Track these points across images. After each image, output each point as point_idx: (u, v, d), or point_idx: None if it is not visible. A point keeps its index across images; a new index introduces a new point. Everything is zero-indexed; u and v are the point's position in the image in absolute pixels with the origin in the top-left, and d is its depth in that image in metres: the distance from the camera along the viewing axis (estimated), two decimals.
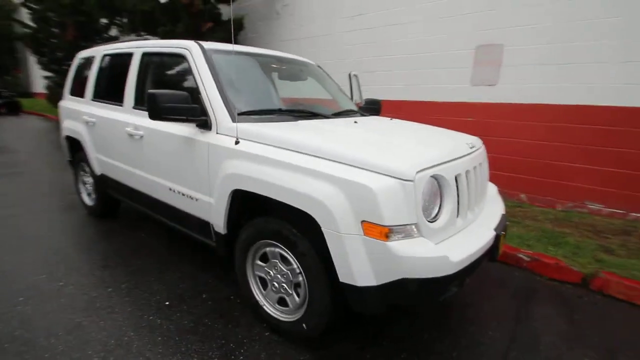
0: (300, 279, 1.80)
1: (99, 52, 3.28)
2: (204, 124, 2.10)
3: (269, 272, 1.95)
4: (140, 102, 2.68)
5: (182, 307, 2.23)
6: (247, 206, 1.98)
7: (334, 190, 1.53)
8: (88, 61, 3.48)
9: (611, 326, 2.21)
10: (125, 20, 8.30)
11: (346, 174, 1.53)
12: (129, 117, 2.71)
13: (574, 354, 1.95)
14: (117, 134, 2.83)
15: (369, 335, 2.02)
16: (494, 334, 2.08)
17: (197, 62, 2.26)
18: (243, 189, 1.86)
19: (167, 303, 2.27)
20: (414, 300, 1.63)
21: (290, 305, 1.89)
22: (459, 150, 1.88)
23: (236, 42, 6.71)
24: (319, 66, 3.32)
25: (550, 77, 3.91)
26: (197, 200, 2.22)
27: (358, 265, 1.51)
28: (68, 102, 3.68)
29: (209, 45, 2.38)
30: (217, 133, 2.05)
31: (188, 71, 2.30)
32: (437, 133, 2.31)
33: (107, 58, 3.18)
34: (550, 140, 4.01)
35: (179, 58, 2.40)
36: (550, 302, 2.44)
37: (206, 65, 2.22)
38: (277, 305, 1.97)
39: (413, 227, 1.49)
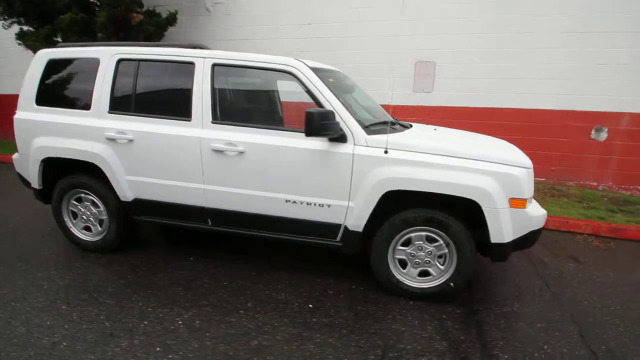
0: (446, 250, 2.39)
1: (105, 55, 2.74)
2: (339, 138, 2.34)
3: (412, 253, 2.44)
4: (222, 117, 2.55)
5: (327, 305, 2.44)
6: (386, 205, 2.38)
7: (490, 180, 2.20)
8: (72, 64, 2.85)
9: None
10: None
11: (496, 168, 2.22)
12: (209, 132, 2.52)
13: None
14: (181, 152, 2.58)
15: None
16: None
17: (312, 80, 2.43)
18: (399, 189, 2.28)
19: (310, 306, 2.42)
20: (528, 245, 2.46)
21: (434, 273, 2.45)
22: None
23: (164, 39, 6.12)
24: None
25: (470, 88, 5.46)
26: (329, 206, 2.44)
27: (506, 228, 2.24)
28: (38, 114, 2.87)
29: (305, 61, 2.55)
30: (355, 145, 2.35)
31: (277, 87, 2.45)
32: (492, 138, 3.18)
33: (129, 64, 2.71)
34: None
35: (282, 74, 2.48)
36: None
37: (323, 83, 2.43)
38: (417, 277, 2.49)
39: (532, 197, 2.32)
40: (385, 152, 2.31)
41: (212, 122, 2.54)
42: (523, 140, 4.02)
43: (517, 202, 2.23)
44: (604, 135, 4.93)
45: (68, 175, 2.93)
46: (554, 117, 5.14)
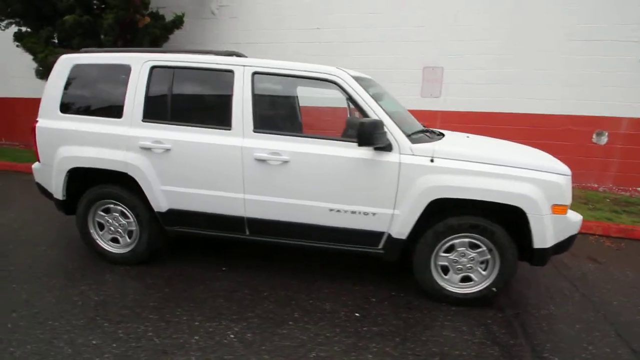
0: (489, 256, 2.44)
1: (137, 62, 2.66)
2: (386, 147, 2.36)
3: (454, 260, 2.49)
4: (264, 125, 2.52)
5: (372, 313, 2.46)
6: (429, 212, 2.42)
7: (534, 188, 2.27)
8: (99, 71, 2.76)
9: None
10: None
11: (539, 176, 2.30)
12: (251, 141, 2.49)
13: None
14: (221, 161, 2.54)
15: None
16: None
17: (355, 89, 2.45)
18: (445, 197, 2.32)
19: (357, 315, 2.43)
20: (565, 250, 2.54)
21: (476, 279, 2.51)
22: None
23: (169, 42, 6.03)
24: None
25: (477, 93, 5.60)
26: (374, 214, 2.45)
27: (549, 233, 2.31)
28: (63, 123, 2.76)
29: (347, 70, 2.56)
30: (400, 154, 2.38)
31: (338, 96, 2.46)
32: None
33: (164, 71, 2.65)
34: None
35: (325, 83, 2.48)
36: None
37: (366, 93, 2.45)
38: (459, 283, 2.53)
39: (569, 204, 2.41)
40: (432, 160, 2.35)
41: (254, 131, 2.52)
42: (527, 144, 4.16)
43: (558, 209, 2.31)
44: (604, 139, 5.16)
45: (95, 186, 2.83)
46: (557, 122, 5.34)
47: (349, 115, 3.77)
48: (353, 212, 2.48)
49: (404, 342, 2.18)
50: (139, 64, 2.67)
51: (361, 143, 2.24)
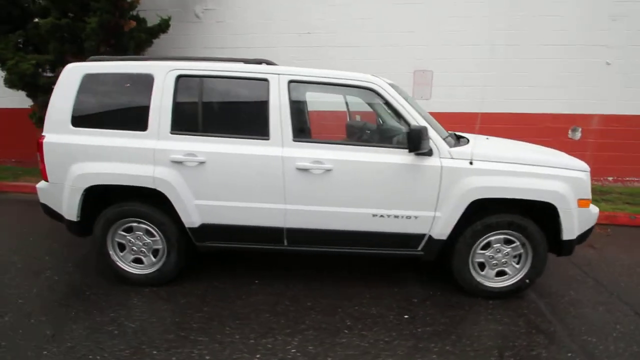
0: (522, 250, 2.60)
1: (160, 71, 2.51)
2: (427, 152, 2.43)
3: (490, 256, 2.62)
4: (303, 134, 2.50)
5: (420, 313, 2.52)
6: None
7: (563, 184, 2.45)
8: (115, 80, 2.58)
9: None
10: None
11: (567, 173, 2.49)
12: (291, 150, 2.45)
13: None
14: (260, 172, 2.47)
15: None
16: None
17: (393, 96, 2.51)
18: (485, 197, 2.43)
19: (406, 317, 2.47)
20: (584, 240, 2.76)
21: (510, 273, 2.65)
22: None
23: (154, 47, 5.76)
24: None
25: (463, 95, 5.89)
26: (416, 218, 2.51)
27: (575, 226, 2.51)
28: (76, 137, 2.54)
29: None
30: (440, 157, 2.46)
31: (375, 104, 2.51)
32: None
33: (191, 81, 2.53)
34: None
35: (362, 90, 2.51)
36: None
37: (405, 100, 2.51)
38: (494, 277, 2.67)
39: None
40: (471, 163, 2.46)
41: (294, 140, 2.48)
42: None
43: (583, 202, 2.52)
44: (578, 135, 5.67)
45: (114, 204, 2.63)
46: (537, 120, 5.77)
47: (348, 119, 3.83)
48: (396, 217, 2.52)
49: (459, 339, 2.26)
50: (163, 73, 2.53)
51: (413, 149, 2.30)
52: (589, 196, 2.55)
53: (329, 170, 2.45)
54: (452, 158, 2.47)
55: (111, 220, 2.64)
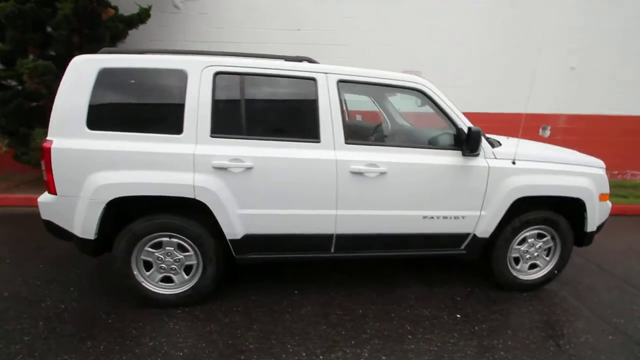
0: (552, 244, 2.78)
1: (194, 67, 2.25)
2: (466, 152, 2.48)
3: (525, 250, 2.76)
4: (355, 136, 2.40)
5: (469, 311, 2.57)
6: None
7: (589, 181, 2.66)
8: (139, 76, 2.27)
9: None
10: None
11: (590, 171, 2.71)
12: (344, 153, 2.34)
13: None
14: (312, 176, 2.34)
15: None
16: None
17: (441, 97, 2.54)
18: (528, 195, 2.55)
19: (458, 316, 2.51)
20: (599, 230, 3.00)
21: (541, 265, 2.82)
22: None
23: (129, 38, 5.26)
24: None
25: (446, 94, 6.14)
26: (463, 218, 2.56)
27: (596, 218, 2.74)
28: (94, 142, 2.19)
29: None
30: (486, 158, 2.52)
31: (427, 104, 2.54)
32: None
33: (230, 78, 2.30)
34: None
35: (411, 91, 2.49)
36: None
37: (449, 100, 2.53)
38: (528, 270, 2.82)
39: None
40: (513, 162, 2.56)
41: (346, 143, 2.37)
42: None
43: (603, 197, 2.76)
44: (548, 133, 6.20)
45: (142, 218, 2.31)
46: (512, 119, 6.22)
47: (347, 118, 3.81)
48: (445, 218, 2.54)
49: (515, 333, 2.34)
50: (198, 69, 2.26)
51: (472, 150, 2.34)
52: (608, 191, 2.80)
53: (383, 173, 2.40)
54: (496, 158, 2.56)
55: (139, 236, 2.31)
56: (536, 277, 2.84)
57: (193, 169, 2.23)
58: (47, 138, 2.22)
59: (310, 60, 2.52)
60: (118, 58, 2.27)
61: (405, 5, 5.88)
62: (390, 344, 2.19)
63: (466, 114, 5.76)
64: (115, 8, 4.58)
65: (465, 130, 2.46)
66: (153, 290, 2.43)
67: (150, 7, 4.86)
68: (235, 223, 2.34)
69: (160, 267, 2.42)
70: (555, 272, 2.84)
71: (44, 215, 2.32)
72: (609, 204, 2.89)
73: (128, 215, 2.35)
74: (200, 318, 2.39)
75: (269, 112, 2.46)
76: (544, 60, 6.02)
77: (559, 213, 2.73)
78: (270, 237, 2.44)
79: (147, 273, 2.42)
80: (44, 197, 2.30)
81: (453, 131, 2.53)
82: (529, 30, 6.01)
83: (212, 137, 2.26)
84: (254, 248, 2.46)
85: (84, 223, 2.24)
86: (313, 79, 2.37)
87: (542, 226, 2.72)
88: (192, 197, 2.24)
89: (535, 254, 2.80)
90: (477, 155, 2.51)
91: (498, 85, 6.19)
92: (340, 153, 2.36)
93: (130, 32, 5.09)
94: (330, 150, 2.36)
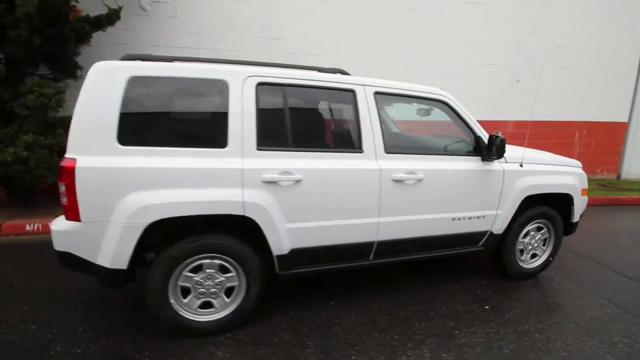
0: (548, 235, 3.17)
1: (236, 77, 2.14)
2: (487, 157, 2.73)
3: (528, 243, 3.11)
4: (393, 146, 2.48)
5: (493, 302, 2.81)
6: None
7: (574, 178, 3.11)
8: (172, 86, 2.10)
9: None
10: None
11: (574, 170, 3.15)
12: (385, 162, 2.41)
13: None
14: (358, 186, 2.37)
15: None
16: None
17: (462, 108, 2.75)
18: (533, 194, 2.88)
19: (487, 307, 2.73)
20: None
21: (539, 254, 3.20)
22: None
23: (92, 41, 4.82)
24: None
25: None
26: (483, 217, 2.80)
27: (579, 210, 3.20)
28: (129, 159, 1.95)
29: None
30: (498, 162, 2.80)
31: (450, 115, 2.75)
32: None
33: (271, 89, 2.23)
34: None
35: (436, 103, 2.66)
36: None
37: (467, 111, 2.76)
38: (529, 260, 3.17)
39: None
40: (521, 165, 2.88)
41: (386, 152, 2.44)
42: None
43: (584, 192, 3.24)
44: None
45: (182, 240, 2.10)
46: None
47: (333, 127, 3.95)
48: (469, 218, 2.76)
49: (539, 318, 2.62)
50: (240, 79, 2.16)
51: (500, 156, 2.57)
52: (587, 186, 3.29)
53: (420, 180, 2.52)
54: (507, 162, 2.85)
55: (179, 261, 2.10)
56: (536, 265, 3.21)
57: (242, 184, 2.11)
58: (67, 156, 1.92)
59: (343, 72, 2.57)
60: (150, 66, 2.06)
61: (382, 20, 6.17)
62: (444, 341, 2.31)
63: (417, 122, 6.10)
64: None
65: (484, 138, 2.72)
66: (191, 318, 2.22)
67: (121, 9, 4.41)
68: (283, 238, 2.26)
69: (200, 292, 2.22)
70: (551, 259, 3.25)
71: (61, 247, 1.99)
72: (586, 197, 3.40)
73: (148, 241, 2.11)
74: (248, 342, 2.25)
75: (312, 124, 2.44)
76: (494, 72, 6.83)
77: (552, 208, 3.14)
78: (314, 250, 2.39)
79: (185, 300, 2.21)
80: (62, 225, 1.97)
81: (471, 139, 2.76)
82: (479, 48, 6.77)
83: (258, 149, 2.16)
84: (299, 262, 2.39)
85: (115, 251, 1.97)
86: (352, 91, 2.41)
87: (541, 220, 3.10)
88: (242, 214, 2.12)
89: (535, 244, 3.17)
90: (493, 160, 2.78)
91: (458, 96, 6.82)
92: (382, 162, 2.43)
93: (93, 35, 4.58)
94: (373, 160, 2.42)
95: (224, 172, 2.09)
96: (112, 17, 4.31)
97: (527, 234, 3.10)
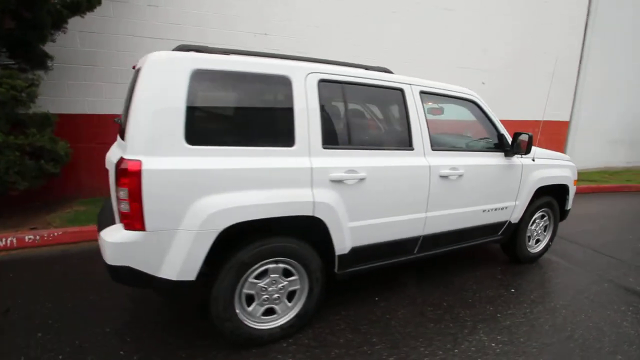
0: (548, 222, 3.54)
1: (298, 74, 2.07)
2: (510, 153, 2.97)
3: (535, 230, 3.44)
4: (437, 143, 2.57)
5: (514, 284, 3.07)
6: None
7: (569, 170, 3.50)
8: (234, 81, 1.98)
9: None
10: None
11: (569, 163, 3.54)
12: (433, 159, 2.50)
13: None
14: (411, 183, 2.44)
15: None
16: None
17: (488, 107, 2.93)
18: (543, 185, 3.20)
19: (512, 290, 2.98)
20: None
21: (542, 239, 3.56)
22: None
23: (67, 27, 4.39)
24: None
25: None
26: (505, 208, 3.03)
27: (572, 199, 3.62)
28: (199, 160, 1.80)
29: None
30: (515, 157, 3.05)
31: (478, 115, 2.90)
32: None
33: (331, 87, 2.19)
34: None
35: (467, 102, 2.81)
36: None
37: (492, 110, 2.97)
38: (534, 245, 3.51)
39: None
40: (533, 160, 3.17)
41: (432, 150, 2.54)
42: None
43: (575, 182, 3.66)
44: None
45: (254, 243, 1.97)
46: (445, 126, 7.39)
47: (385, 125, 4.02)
48: (495, 209, 2.97)
49: (557, 296, 2.93)
50: (302, 75, 2.09)
51: (527, 152, 2.80)
52: (577, 177, 3.73)
53: (460, 176, 2.66)
54: (522, 157, 3.13)
55: (248, 267, 1.97)
56: (539, 249, 3.57)
57: (311, 184, 2.05)
58: (127, 157, 1.70)
59: (387, 71, 2.60)
60: (213, 59, 1.90)
61: (367, 19, 6.29)
62: (492, 325, 2.47)
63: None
64: None
65: (507, 135, 2.95)
66: (256, 327, 2.11)
67: None
68: (346, 237, 2.24)
69: (264, 298, 2.11)
70: (550, 243, 3.64)
71: (119, 261, 1.75)
72: (575, 187, 3.85)
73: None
74: (314, 345, 2.19)
75: (367, 121, 2.44)
76: (466, 77, 7.36)
77: (552, 197, 3.52)
78: (371, 247, 2.41)
79: (249, 309, 2.08)
80: (120, 236, 1.74)
81: (494, 137, 2.98)
82: (452, 52, 7.25)
83: (324, 148, 2.11)
84: (357, 261, 2.39)
85: (185, 261, 1.80)
86: (401, 90, 2.47)
87: (545, 208, 3.46)
88: (311, 214, 2.06)
89: (539, 231, 3.52)
90: (511, 154, 3.02)
91: None
92: (431, 159, 2.53)
93: (68, 21, 4.04)
94: (422, 157, 2.50)
95: (295, 172, 2.01)
96: (93, 1, 3.84)
97: (534, 221, 3.44)
